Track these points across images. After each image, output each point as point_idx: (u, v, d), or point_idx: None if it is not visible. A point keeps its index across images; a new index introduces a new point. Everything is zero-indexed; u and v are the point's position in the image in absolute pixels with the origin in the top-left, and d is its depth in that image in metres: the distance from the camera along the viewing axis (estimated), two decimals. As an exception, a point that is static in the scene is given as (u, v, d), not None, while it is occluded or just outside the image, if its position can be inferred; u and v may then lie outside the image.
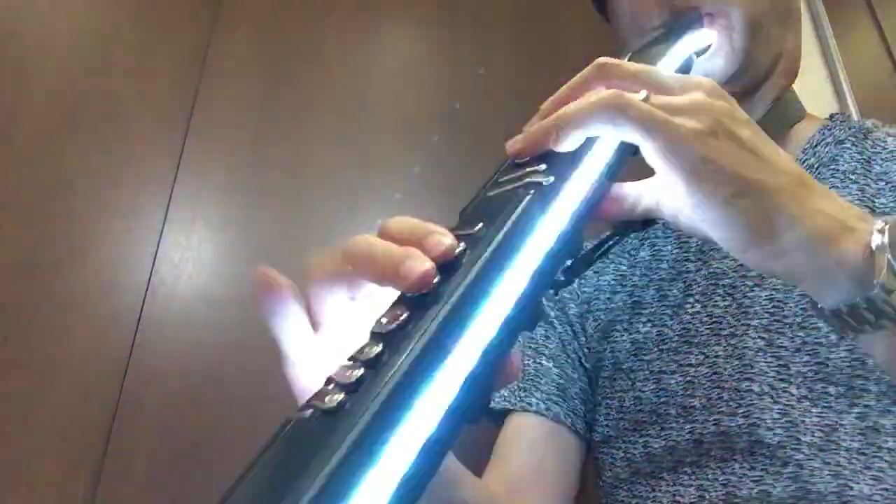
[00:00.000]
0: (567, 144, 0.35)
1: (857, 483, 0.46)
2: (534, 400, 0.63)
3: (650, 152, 0.35)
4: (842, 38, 1.32)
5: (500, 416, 0.66)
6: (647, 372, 0.59)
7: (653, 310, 0.62)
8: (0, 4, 0.95)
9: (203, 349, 0.85)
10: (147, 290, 0.86)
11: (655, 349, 0.59)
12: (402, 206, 1.00)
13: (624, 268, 0.68)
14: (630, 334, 0.62)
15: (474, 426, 0.27)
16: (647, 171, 0.39)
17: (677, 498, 0.54)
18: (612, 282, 0.67)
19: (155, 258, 0.88)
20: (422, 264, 0.27)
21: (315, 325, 0.32)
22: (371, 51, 1.12)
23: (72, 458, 0.77)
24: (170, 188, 0.92)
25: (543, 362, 0.66)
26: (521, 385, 0.65)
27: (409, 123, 1.06)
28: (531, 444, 0.62)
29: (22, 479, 0.75)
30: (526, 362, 0.67)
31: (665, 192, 0.39)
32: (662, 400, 0.57)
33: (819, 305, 0.37)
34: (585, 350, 0.67)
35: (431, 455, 0.23)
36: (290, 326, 0.31)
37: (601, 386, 0.64)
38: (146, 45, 1.00)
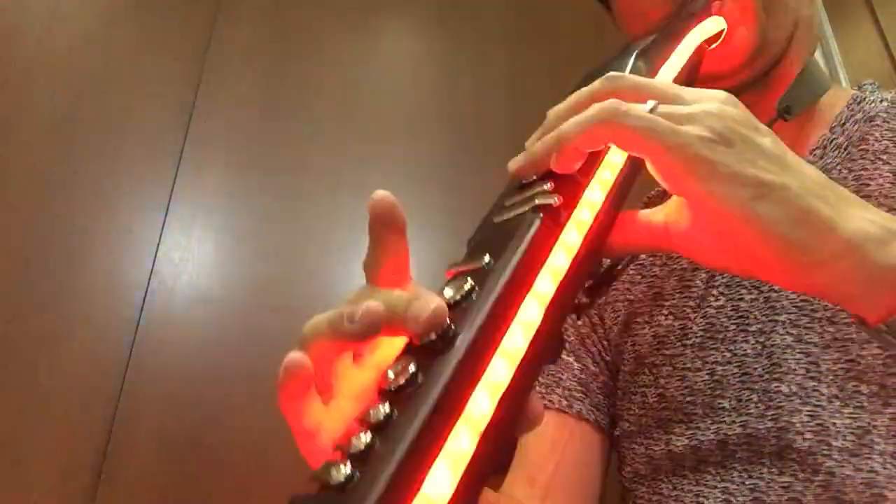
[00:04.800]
0: (567, 163, 0.33)
1: (893, 491, 0.43)
2: (555, 397, 0.61)
3: (655, 164, 0.32)
4: (842, 38, 1.32)
5: None
6: (669, 367, 0.57)
7: (674, 301, 0.59)
8: (0, 4, 0.95)
9: (203, 349, 0.85)
10: (147, 290, 0.86)
11: (679, 343, 0.57)
12: (402, 206, 1.00)
13: (643, 256, 0.64)
14: (651, 327, 0.60)
15: None
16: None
17: (700, 499, 0.52)
18: (632, 271, 0.64)
19: (155, 258, 0.88)
20: (429, 303, 0.25)
21: (322, 392, 0.30)
22: (371, 49, 1.12)
23: (72, 458, 0.77)
24: (170, 188, 0.92)
25: (563, 356, 0.63)
26: (540, 381, 0.62)
27: (410, 121, 1.06)
28: (555, 444, 0.59)
29: (22, 480, 0.75)
30: None
31: (675, 220, 0.36)
32: (689, 399, 0.55)
33: (871, 324, 0.33)
34: (605, 342, 0.64)
35: None
36: (304, 403, 0.29)
37: (622, 380, 0.62)
38: (146, 45, 1.00)
